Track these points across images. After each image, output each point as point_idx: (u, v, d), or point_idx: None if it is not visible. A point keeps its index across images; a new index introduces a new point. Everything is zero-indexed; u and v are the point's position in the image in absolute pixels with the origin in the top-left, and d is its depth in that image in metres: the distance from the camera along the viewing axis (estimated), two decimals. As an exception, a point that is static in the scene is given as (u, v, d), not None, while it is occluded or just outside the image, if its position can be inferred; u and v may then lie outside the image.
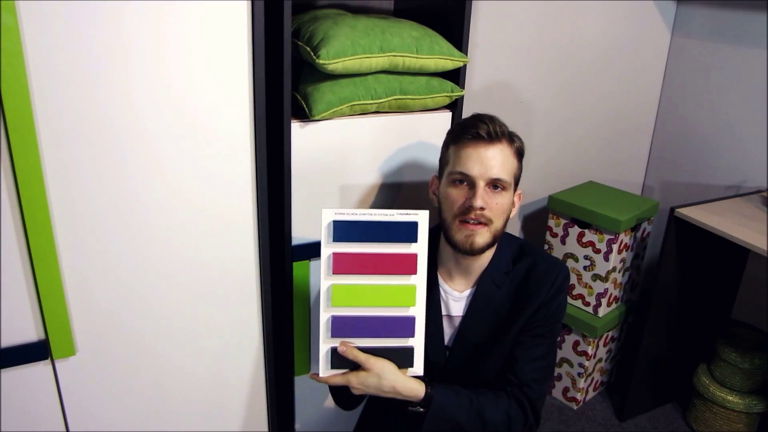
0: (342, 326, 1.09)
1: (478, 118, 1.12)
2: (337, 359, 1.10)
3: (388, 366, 1.09)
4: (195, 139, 1.12)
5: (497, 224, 1.13)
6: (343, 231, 1.07)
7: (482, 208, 1.09)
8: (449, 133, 1.18)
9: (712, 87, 2.23)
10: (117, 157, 1.06)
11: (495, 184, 1.11)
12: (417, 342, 1.12)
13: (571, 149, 2.34)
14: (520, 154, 1.15)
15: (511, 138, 1.13)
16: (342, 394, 1.25)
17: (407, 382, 1.10)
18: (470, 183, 1.11)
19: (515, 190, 1.17)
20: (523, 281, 1.20)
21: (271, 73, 1.18)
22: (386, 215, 1.09)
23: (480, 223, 1.11)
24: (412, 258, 1.10)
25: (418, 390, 1.10)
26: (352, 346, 1.10)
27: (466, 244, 1.12)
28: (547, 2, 2.02)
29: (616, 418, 2.15)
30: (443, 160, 1.18)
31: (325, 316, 1.09)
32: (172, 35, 1.04)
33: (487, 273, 1.20)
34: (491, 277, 1.20)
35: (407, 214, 1.09)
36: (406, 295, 1.11)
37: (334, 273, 1.08)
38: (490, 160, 1.09)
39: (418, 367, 1.12)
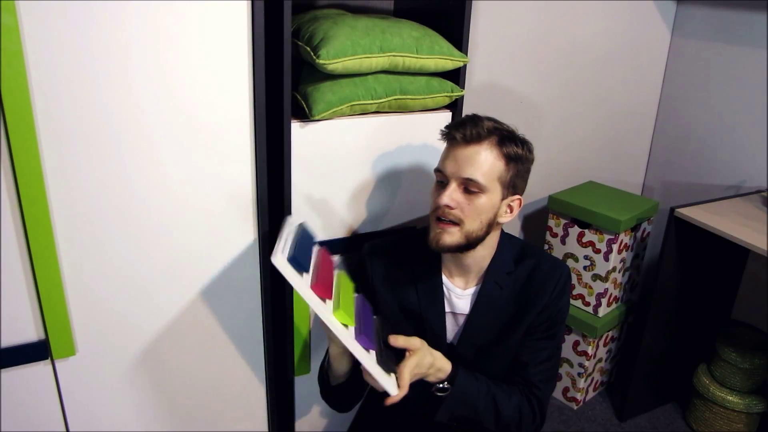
0: (366, 338, 1.05)
1: (462, 120, 1.13)
2: (383, 365, 1.04)
3: (421, 340, 1.08)
4: (195, 139, 1.12)
5: (470, 226, 1.11)
6: (300, 262, 1.03)
7: (449, 207, 1.09)
8: (440, 131, 1.18)
9: (712, 87, 2.23)
10: (117, 157, 1.06)
11: (468, 185, 1.09)
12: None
13: (571, 149, 2.34)
14: (511, 157, 1.11)
15: (500, 141, 1.10)
16: (338, 396, 1.24)
17: (440, 354, 1.10)
18: (447, 182, 1.11)
19: (509, 194, 1.13)
20: (526, 283, 1.20)
21: (271, 73, 1.18)
22: (290, 233, 1.12)
23: (450, 222, 1.10)
24: (325, 252, 1.16)
25: (447, 363, 1.10)
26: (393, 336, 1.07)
27: (434, 241, 1.13)
28: (547, 2, 2.02)
29: (616, 418, 2.15)
30: None
31: (354, 346, 1.02)
32: (172, 35, 1.04)
33: (489, 273, 1.20)
34: (494, 278, 1.20)
35: (291, 224, 1.17)
36: (347, 282, 1.15)
37: (325, 302, 1.03)
38: (464, 160, 1.09)
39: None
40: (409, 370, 1.02)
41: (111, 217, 1.09)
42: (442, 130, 1.16)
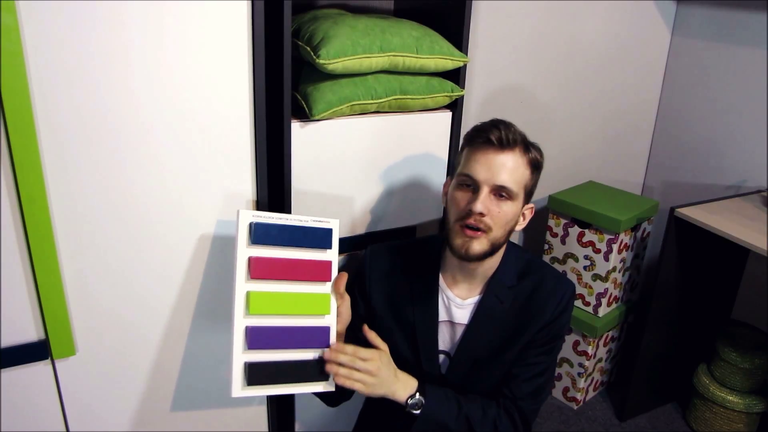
0: (259, 337, 1.04)
1: (494, 124, 1.10)
2: (255, 375, 1.03)
3: (387, 356, 1.11)
4: (195, 139, 1.12)
5: (497, 233, 1.10)
6: (262, 234, 1.04)
7: (482, 214, 1.07)
8: (465, 136, 1.16)
9: (712, 87, 2.23)
10: (117, 157, 1.06)
11: (500, 192, 1.08)
12: None
13: (571, 149, 2.34)
14: (534, 165, 1.11)
15: (526, 148, 1.10)
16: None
17: (401, 375, 1.12)
18: (475, 187, 1.09)
19: (526, 202, 1.14)
20: (527, 300, 1.19)
21: (271, 73, 1.18)
22: (301, 221, 1.08)
23: (479, 229, 1.09)
24: (327, 265, 1.10)
25: (412, 379, 1.13)
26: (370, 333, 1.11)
27: (462, 250, 1.10)
28: (547, 2, 2.02)
29: (616, 418, 2.15)
30: (456, 162, 1.17)
31: (240, 326, 1.03)
32: (172, 35, 1.04)
33: (491, 285, 1.19)
34: (494, 291, 1.18)
35: (321, 221, 1.10)
36: (322, 303, 1.10)
37: (252, 278, 1.04)
38: (498, 167, 1.07)
39: (332, 381, 1.09)
40: (373, 353, 1.09)
41: (111, 217, 1.09)
42: (469, 133, 1.14)
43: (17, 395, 1.10)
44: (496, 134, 1.07)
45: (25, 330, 1.07)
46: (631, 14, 2.23)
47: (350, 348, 1.08)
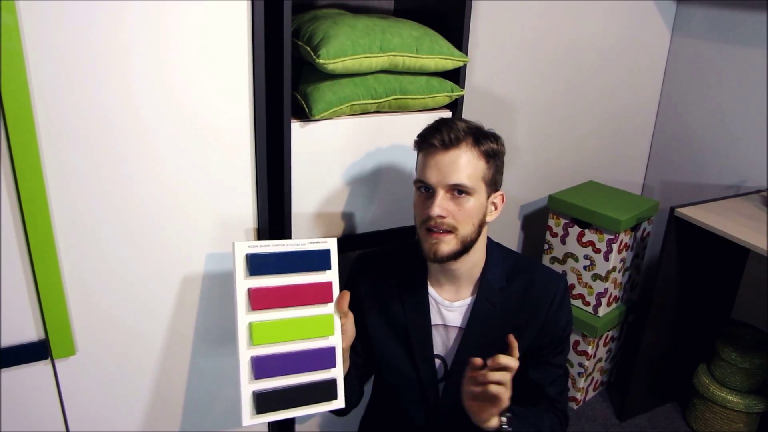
0: (265, 366, 1.05)
1: (436, 127, 1.10)
2: (264, 403, 1.04)
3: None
4: (195, 139, 1.12)
5: (464, 230, 1.09)
6: (259, 264, 1.04)
7: (441, 216, 1.07)
8: (414, 142, 1.16)
9: (712, 87, 2.23)
10: (117, 157, 1.06)
11: (456, 190, 1.08)
12: (338, 372, 1.11)
13: (571, 149, 2.34)
14: (489, 155, 1.10)
15: (476, 140, 1.09)
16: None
17: None
18: (431, 191, 1.09)
19: (492, 191, 1.13)
20: (520, 301, 1.18)
21: (271, 73, 1.18)
22: (298, 245, 1.08)
23: (444, 231, 1.08)
24: (328, 286, 1.10)
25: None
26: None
27: (431, 253, 1.10)
28: (547, 2, 2.02)
29: (616, 418, 2.15)
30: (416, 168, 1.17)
31: (245, 358, 1.04)
32: (172, 35, 1.04)
33: (481, 288, 1.18)
34: (485, 295, 1.18)
35: (317, 242, 1.10)
36: (325, 325, 1.10)
37: (253, 309, 1.05)
38: (447, 167, 1.06)
39: (341, 399, 1.10)
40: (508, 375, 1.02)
41: (111, 217, 1.09)
42: (416, 140, 1.14)
43: (17, 395, 1.10)
44: (439, 137, 1.07)
45: (25, 330, 1.07)
46: (631, 14, 2.23)
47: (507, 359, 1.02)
